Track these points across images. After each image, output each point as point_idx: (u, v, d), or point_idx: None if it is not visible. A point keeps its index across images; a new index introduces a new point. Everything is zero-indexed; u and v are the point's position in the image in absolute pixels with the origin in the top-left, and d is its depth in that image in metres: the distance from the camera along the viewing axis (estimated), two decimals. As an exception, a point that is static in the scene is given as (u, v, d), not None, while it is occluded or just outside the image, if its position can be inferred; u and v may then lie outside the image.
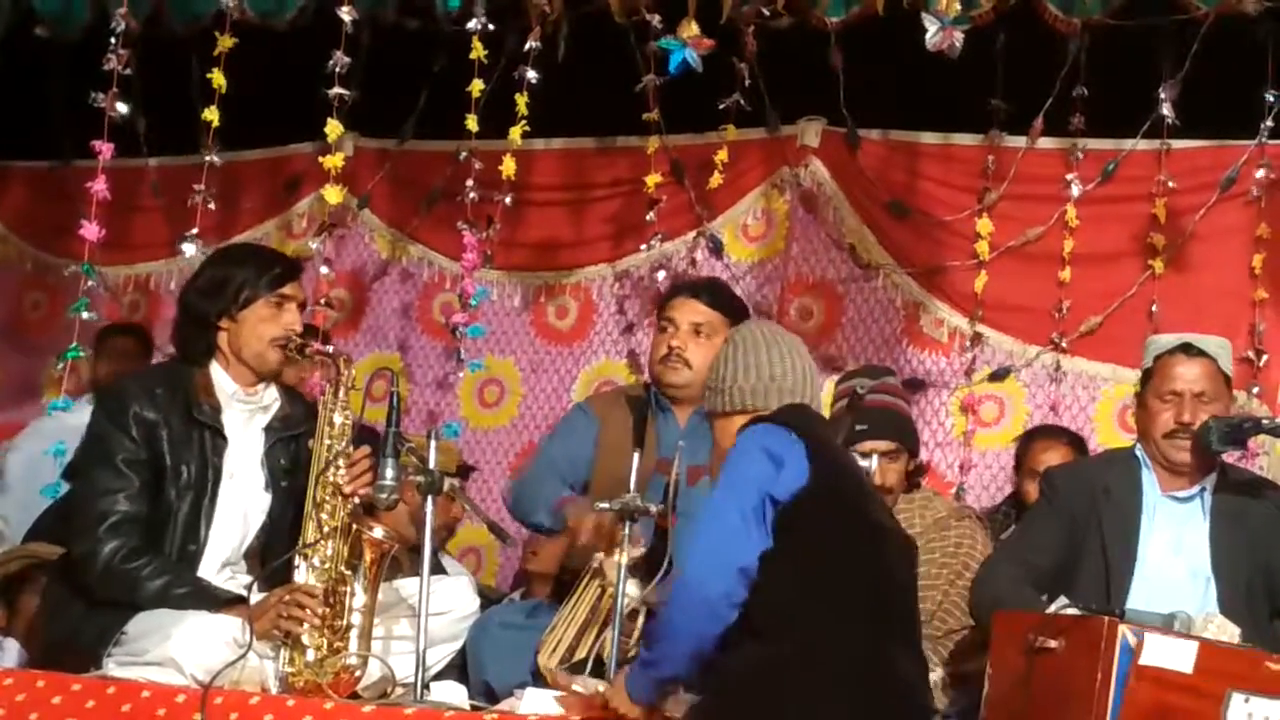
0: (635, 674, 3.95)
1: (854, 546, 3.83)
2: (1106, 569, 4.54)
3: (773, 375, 4.01)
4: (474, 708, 4.28)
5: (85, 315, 5.40)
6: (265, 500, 4.51)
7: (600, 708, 4.03)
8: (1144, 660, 3.85)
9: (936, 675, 4.86)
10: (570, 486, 5.00)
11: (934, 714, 4.29)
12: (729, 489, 3.86)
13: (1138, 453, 4.69)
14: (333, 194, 5.73)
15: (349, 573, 4.28)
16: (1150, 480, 4.65)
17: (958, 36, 5.23)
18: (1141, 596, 4.46)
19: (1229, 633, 4.06)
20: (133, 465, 4.37)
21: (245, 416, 4.53)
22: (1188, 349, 4.65)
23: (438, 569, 5.17)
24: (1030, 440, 5.76)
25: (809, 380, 4.05)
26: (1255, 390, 5.80)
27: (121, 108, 5.44)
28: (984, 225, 6.23)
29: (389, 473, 4.21)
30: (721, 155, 6.37)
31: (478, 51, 5.70)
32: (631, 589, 4.34)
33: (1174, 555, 4.57)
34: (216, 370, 4.52)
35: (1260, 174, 5.94)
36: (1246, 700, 3.89)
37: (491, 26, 5.71)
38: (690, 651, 3.82)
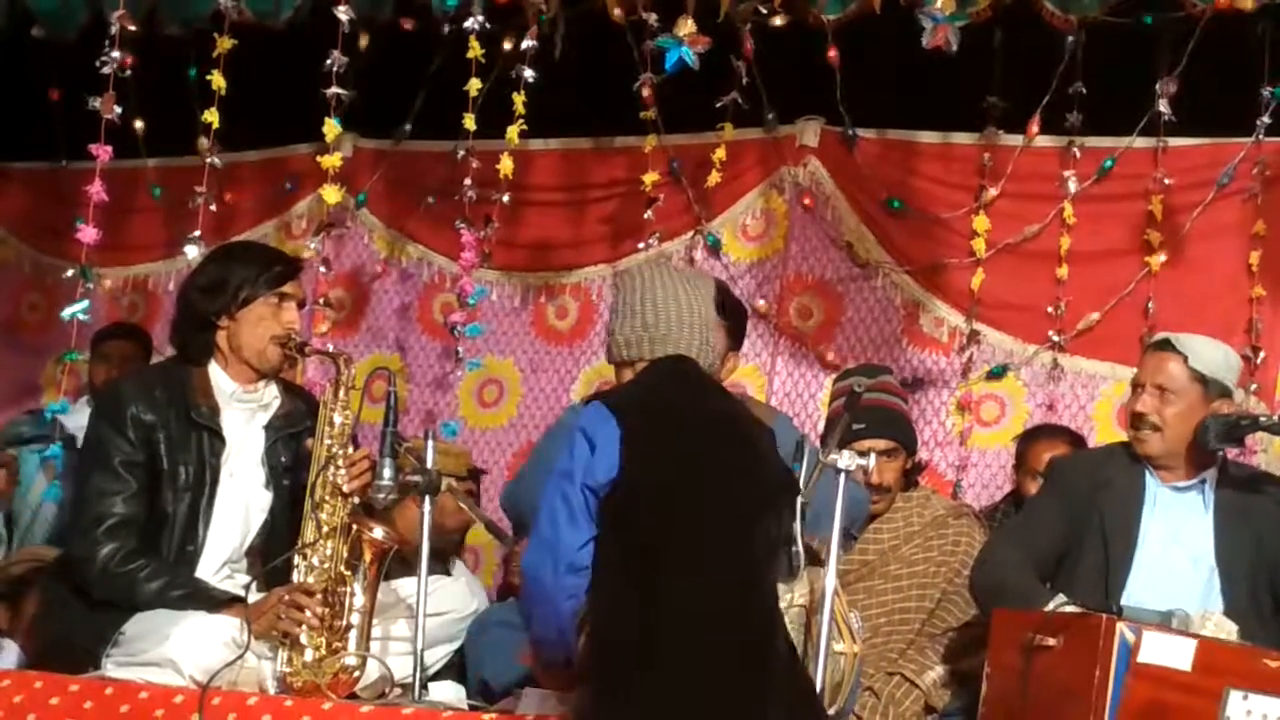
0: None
1: (667, 532, 3.57)
2: (1106, 560, 4.54)
3: (645, 323, 3.82)
4: (472, 707, 4.29)
5: (81, 318, 5.39)
6: (266, 498, 4.51)
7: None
8: (1142, 658, 3.85)
9: (935, 673, 4.87)
10: None
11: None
12: (555, 477, 3.70)
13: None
14: (331, 194, 5.73)
15: (348, 573, 4.28)
16: (1150, 473, 4.65)
17: (954, 34, 5.23)
18: (1142, 587, 4.46)
19: (1227, 630, 4.07)
20: (130, 467, 4.37)
21: (245, 416, 4.53)
22: (1163, 344, 4.67)
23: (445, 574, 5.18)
24: (1031, 439, 5.75)
25: (689, 324, 3.82)
26: (1253, 388, 5.80)
27: (117, 109, 5.43)
28: (981, 223, 6.23)
29: (386, 473, 4.21)
30: (719, 154, 6.38)
31: (475, 51, 5.70)
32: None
33: (1174, 546, 4.57)
34: (215, 370, 4.52)
35: (1257, 171, 5.94)
36: (1245, 698, 3.90)
37: (489, 26, 5.72)
38: (549, 639, 3.71)
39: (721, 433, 3.77)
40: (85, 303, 5.38)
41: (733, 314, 4.79)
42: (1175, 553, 4.58)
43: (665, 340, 3.83)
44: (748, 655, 3.57)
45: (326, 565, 4.28)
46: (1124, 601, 4.26)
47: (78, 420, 5.41)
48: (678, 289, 3.87)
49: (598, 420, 3.67)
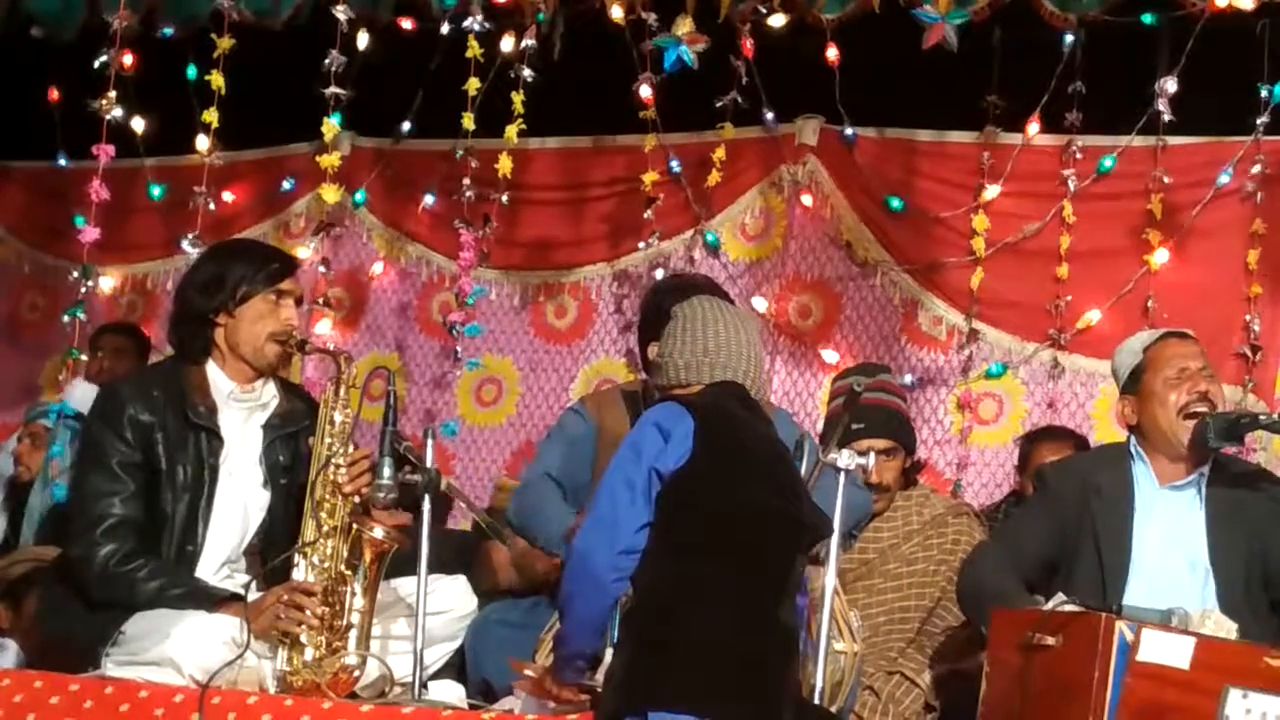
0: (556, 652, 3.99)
1: (725, 524, 3.79)
2: (1101, 566, 4.54)
3: (706, 350, 4.01)
4: (472, 706, 4.29)
5: (80, 317, 5.39)
6: (265, 498, 4.50)
7: (540, 685, 4.03)
8: (1141, 656, 3.85)
9: (934, 672, 4.88)
10: (570, 497, 4.96)
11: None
12: (621, 462, 3.86)
13: (1131, 448, 4.69)
14: (330, 193, 5.74)
15: (348, 572, 4.27)
16: (1144, 473, 4.64)
17: (952, 33, 5.23)
18: (1141, 590, 4.46)
19: (1226, 629, 4.06)
20: (128, 468, 4.36)
21: (243, 415, 4.52)
22: (1171, 334, 4.72)
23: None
24: (1035, 442, 5.75)
25: (747, 356, 4.03)
26: (1250, 385, 5.81)
27: (117, 110, 5.44)
28: (980, 222, 6.23)
29: (386, 472, 4.21)
30: (719, 153, 6.38)
31: (474, 50, 5.70)
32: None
33: (1171, 547, 4.57)
34: (213, 369, 4.51)
35: (1256, 170, 5.95)
36: (1244, 696, 3.89)
37: (487, 25, 5.72)
38: (586, 626, 3.83)
39: (775, 453, 3.99)
40: (83, 304, 5.38)
41: None
42: (1172, 553, 4.57)
43: (725, 368, 4.01)
44: (775, 649, 3.78)
45: (327, 564, 4.27)
46: (1124, 603, 4.26)
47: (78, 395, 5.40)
48: (736, 322, 4.08)
49: (674, 415, 3.85)
